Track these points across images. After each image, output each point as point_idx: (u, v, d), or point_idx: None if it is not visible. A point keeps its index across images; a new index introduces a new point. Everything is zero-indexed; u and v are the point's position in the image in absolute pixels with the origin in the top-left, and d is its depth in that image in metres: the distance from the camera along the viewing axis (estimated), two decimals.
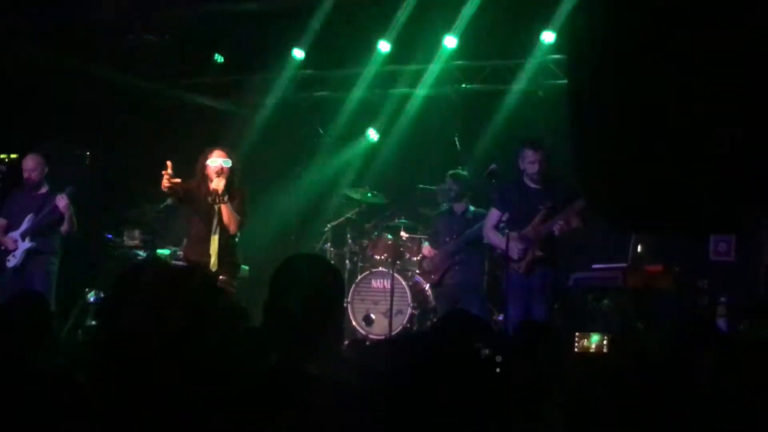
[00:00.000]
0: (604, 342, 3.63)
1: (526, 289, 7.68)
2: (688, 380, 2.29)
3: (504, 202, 7.90)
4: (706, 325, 3.01)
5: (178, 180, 7.26)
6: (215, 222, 7.43)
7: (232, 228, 7.50)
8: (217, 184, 7.28)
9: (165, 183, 7.14)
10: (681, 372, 2.26)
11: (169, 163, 7.14)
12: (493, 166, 8.31)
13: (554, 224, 7.52)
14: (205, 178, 7.46)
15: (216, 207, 7.35)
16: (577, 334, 3.36)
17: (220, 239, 7.42)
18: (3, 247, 8.44)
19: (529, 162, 7.70)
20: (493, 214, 8.00)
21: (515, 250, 7.65)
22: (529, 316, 7.46)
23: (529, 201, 7.74)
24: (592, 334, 3.36)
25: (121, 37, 10.27)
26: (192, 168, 7.64)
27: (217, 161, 7.43)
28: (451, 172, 9.15)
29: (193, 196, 7.54)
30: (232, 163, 7.51)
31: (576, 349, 3.42)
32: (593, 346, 3.32)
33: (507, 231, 7.64)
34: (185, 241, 8.39)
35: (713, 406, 2.46)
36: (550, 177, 7.78)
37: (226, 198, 7.28)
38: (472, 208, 8.97)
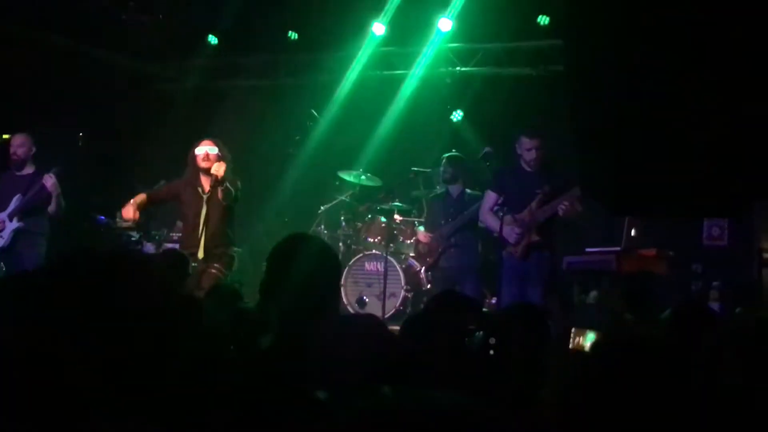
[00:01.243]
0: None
1: (521, 274, 7.70)
2: (688, 365, 2.29)
3: (501, 185, 7.93)
4: (703, 310, 3.00)
5: (143, 201, 7.88)
6: (203, 214, 7.67)
7: (221, 216, 7.74)
8: (217, 169, 7.54)
9: (131, 215, 7.75)
10: (681, 358, 2.26)
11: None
12: (487, 148, 8.38)
13: (557, 206, 7.55)
14: (196, 168, 7.76)
15: (204, 201, 7.67)
16: (573, 330, 3.36)
17: (206, 231, 7.64)
18: None
19: (527, 149, 7.75)
20: (490, 196, 8.02)
21: (511, 233, 7.69)
22: (523, 299, 7.48)
23: (526, 185, 7.76)
24: (588, 331, 3.34)
25: (114, 17, 10.23)
26: (184, 151, 7.98)
27: (203, 149, 7.72)
28: (446, 154, 9.16)
29: (179, 193, 7.91)
30: (220, 150, 7.76)
31: (570, 346, 3.41)
32: (588, 345, 3.31)
33: (502, 214, 7.69)
34: (179, 224, 8.54)
35: (711, 391, 2.47)
36: (547, 163, 7.82)
37: (226, 183, 7.53)
38: (468, 191, 8.97)
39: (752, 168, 4.67)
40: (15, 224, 8.29)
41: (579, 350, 3.30)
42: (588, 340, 3.47)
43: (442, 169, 9.11)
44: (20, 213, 8.31)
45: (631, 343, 2.19)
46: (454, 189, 9.04)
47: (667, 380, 2.07)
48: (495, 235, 7.91)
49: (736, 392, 2.48)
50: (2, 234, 8.28)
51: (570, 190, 7.47)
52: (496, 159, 8.29)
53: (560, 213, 7.59)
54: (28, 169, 8.49)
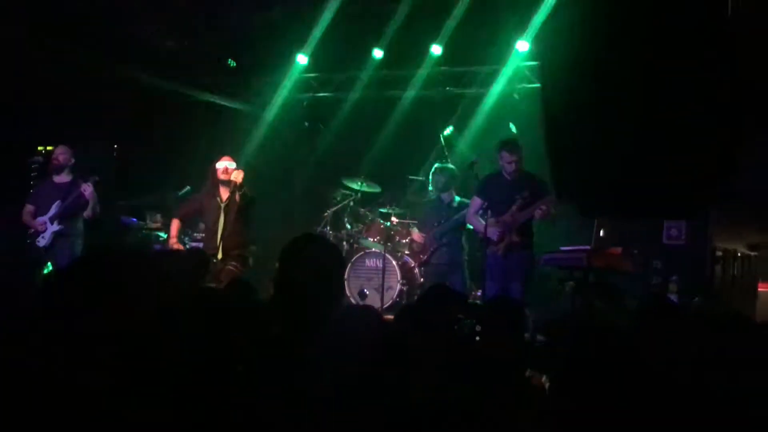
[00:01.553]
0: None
1: (503, 269, 7.74)
2: (650, 351, 2.30)
3: (485, 191, 7.99)
4: (664, 301, 3.01)
5: (178, 226, 8.41)
6: (221, 222, 8.02)
7: (232, 221, 8.00)
8: (236, 176, 7.96)
9: (177, 245, 8.31)
10: (644, 344, 2.27)
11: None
12: (474, 158, 8.46)
13: (534, 210, 7.61)
14: (216, 180, 8.13)
15: (222, 210, 8.02)
16: (529, 372, 3.40)
17: (224, 235, 7.97)
18: (33, 230, 8.46)
19: (507, 162, 7.85)
20: (475, 201, 8.11)
21: (494, 234, 7.74)
22: (506, 292, 7.52)
23: (507, 191, 7.84)
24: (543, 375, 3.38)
25: (146, 41, 10.24)
26: (206, 161, 8.39)
27: (223, 164, 8.13)
28: (438, 165, 9.20)
29: (202, 207, 8.29)
30: (238, 166, 8.19)
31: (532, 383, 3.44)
32: (545, 382, 3.32)
33: (487, 217, 7.74)
34: (202, 225, 8.73)
35: (669, 375, 2.47)
36: (525, 171, 7.88)
37: (244, 189, 7.96)
38: (457, 198, 9.04)
39: (705, 176, 4.69)
40: (55, 227, 8.35)
41: (539, 387, 3.29)
42: (545, 379, 3.49)
43: (435, 178, 9.15)
44: (60, 217, 8.36)
45: (603, 331, 2.21)
46: (446, 196, 9.10)
47: (633, 362, 2.09)
48: (480, 235, 7.95)
49: (691, 372, 2.49)
50: (44, 235, 8.36)
51: (546, 196, 7.52)
52: (482, 167, 8.35)
53: (537, 216, 7.64)
54: (66, 177, 8.54)
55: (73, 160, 8.58)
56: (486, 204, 7.89)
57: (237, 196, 7.95)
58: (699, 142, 4.64)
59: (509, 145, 7.96)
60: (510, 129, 9.06)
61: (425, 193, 9.85)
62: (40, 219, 8.40)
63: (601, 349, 2.13)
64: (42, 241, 8.35)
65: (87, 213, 8.38)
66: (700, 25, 4.64)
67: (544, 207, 7.57)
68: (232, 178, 7.98)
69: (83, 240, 8.50)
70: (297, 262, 2.95)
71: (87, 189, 8.26)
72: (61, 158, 8.50)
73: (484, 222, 7.76)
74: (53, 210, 8.38)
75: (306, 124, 11.44)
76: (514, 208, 7.71)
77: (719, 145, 4.47)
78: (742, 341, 2.51)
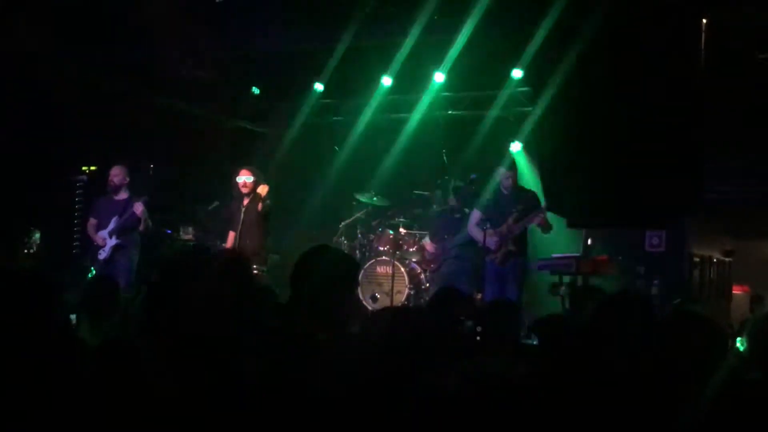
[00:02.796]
0: None
1: (501, 275, 7.82)
2: (611, 348, 2.33)
3: (484, 205, 8.08)
4: (635, 299, 3.02)
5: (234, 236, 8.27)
6: (240, 226, 8.11)
7: (256, 228, 8.14)
8: (262, 189, 8.07)
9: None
10: (602, 341, 2.29)
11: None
12: (473, 175, 8.53)
13: (530, 221, 7.71)
14: (239, 192, 8.26)
15: (242, 214, 8.09)
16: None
17: (246, 238, 8.08)
18: (95, 243, 8.53)
19: (504, 178, 7.97)
20: (475, 214, 8.21)
21: (492, 243, 7.81)
22: (503, 295, 7.57)
23: (504, 205, 7.93)
24: None
25: (177, 73, 10.32)
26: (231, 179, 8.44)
27: (241, 179, 8.26)
28: (453, 185, 9.39)
29: (231, 216, 8.37)
30: (256, 177, 8.24)
31: None
32: None
33: (486, 228, 7.81)
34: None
35: (640, 368, 2.48)
36: (519, 187, 7.99)
37: (267, 200, 8.05)
38: (466, 210, 9.09)
39: (680, 191, 4.74)
40: (114, 241, 8.45)
41: None
42: None
43: (451, 196, 9.28)
44: (117, 232, 8.44)
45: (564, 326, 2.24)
46: (455, 209, 9.19)
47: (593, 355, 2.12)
48: (480, 245, 8.01)
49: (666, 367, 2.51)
50: (104, 249, 8.45)
51: (539, 208, 7.61)
52: (480, 183, 8.43)
53: (536, 224, 7.76)
54: (123, 194, 8.64)
55: (128, 179, 8.68)
56: (485, 216, 7.97)
57: (259, 206, 8.01)
58: (671, 164, 4.69)
59: (507, 163, 8.12)
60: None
61: (430, 206, 9.93)
62: (101, 233, 8.48)
63: (576, 346, 2.17)
64: (103, 254, 8.45)
65: (141, 228, 8.48)
66: (674, 72, 4.70)
67: (541, 215, 7.66)
68: (259, 191, 8.06)
69: (139, 251, 8.57)
70: (310, 270, 2.99)
71: (138, 207, 8.35)
72: (116, 180, 8.60)
73: (483, 233, 7.84)
74: (112, 225, 8.48)
75: (336, 148, 11.47)
76: (509, 220, 7.78)
77: (688, 167, 4.53)
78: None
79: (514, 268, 7.86)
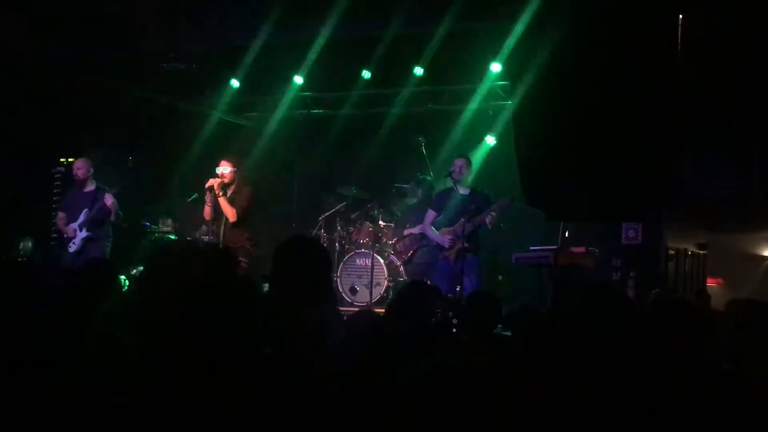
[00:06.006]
0: None
1: (454, 271, 7.96)
2: (596, 341, 2.35)
3: (438, 204, 8.43)
4: (613, 292, 3.04)
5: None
6: (216, 215, 8.00)
7: (230, 217, 7.96)
8: (222, 173, 7.98)
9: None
10: (587, 333, 2.31)
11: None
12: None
13: (484, 218, 7.92)
14: (219, 183, 8.02)
15: (219, 205, 7.93)
16: None
17: (223, 226, 7.96)
18: (65, 235, 8.48)
19: (456, 166, 8.22)
20: (429, 213, 8.48)
21: (446, 241, 8.05)
22: (460, 288, 7.70)
23: (458, 204, 8.15)
24: None
25: (157, 65, 10.26)
26: (210, 171, 8.22)
27: (219, 170, 8.08)
28: (420, 176, 9.50)
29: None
30: (234, 167, 8.07)
31: None
32: None
33: (440, 227, 8.16)
34: (204, 228, 8.73)
35: (623, 362, 2.50)
36: (472, 188, 8.32)
37: (220, 193, 7.89)
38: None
39: (656, 184, 4.77)
40: (84, 233, 8.39)
41: None
42: None
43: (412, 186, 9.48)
44: (87, 224, 8.38)
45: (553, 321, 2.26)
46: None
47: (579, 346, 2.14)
48: (433, 243, 8.27)
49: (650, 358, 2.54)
50: (75, 241, 8.39)
51: (490, 207, 7.91)
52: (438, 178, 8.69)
53: (488, 224, 8.01)
54: (90, 186, 8.55)
55: (92, 170, 8.58)
56: (438, 215, 8.30)
57: (224, 191, 7.94)
58: (648, 157, 4.73)
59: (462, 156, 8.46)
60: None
61: (407, 199, 10.02)
62: (71, 225, 8.42)
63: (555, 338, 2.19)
64: (73, 247, 8.38)
65: (112, 219, 8.42)
66: (653, 61, 4.74)
67: (493, 213, 7.94)
68: (218, 172, 7.99)
69: (111, 242, 8.52)
70: (287, 262, 2.98)
71: (109, 199, 8.29)
72: (80, 173, 8.51)
73: (437, 232, 8.20)
74: (81, 218, 8.41)
75: (316, 142, 11.45)
76: (462, 219, 7.95)
77: (663, 161, 4.57)
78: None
79: (468, 264, 8.00)
